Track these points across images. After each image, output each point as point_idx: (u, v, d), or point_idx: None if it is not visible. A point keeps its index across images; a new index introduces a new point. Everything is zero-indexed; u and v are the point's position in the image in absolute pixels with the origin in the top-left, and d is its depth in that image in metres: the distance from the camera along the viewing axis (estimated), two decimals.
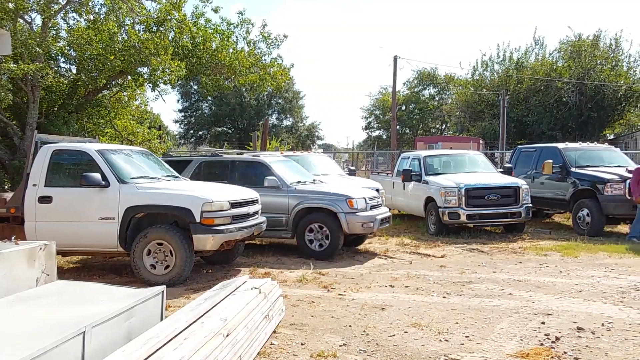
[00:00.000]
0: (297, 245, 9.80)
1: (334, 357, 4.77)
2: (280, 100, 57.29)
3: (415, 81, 55.66)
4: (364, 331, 5.48)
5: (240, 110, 53.12)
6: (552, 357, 4.74)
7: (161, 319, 4.58)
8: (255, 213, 8.56)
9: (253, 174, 10.33)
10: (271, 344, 5.02)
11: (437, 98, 56.16)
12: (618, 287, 7.31)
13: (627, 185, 11.37)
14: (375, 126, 59.96)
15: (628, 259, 9.24)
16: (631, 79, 34.65)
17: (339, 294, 6.98)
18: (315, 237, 9.60)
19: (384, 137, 56.01)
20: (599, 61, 33.40)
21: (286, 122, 59.52)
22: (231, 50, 16.41)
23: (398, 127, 49.03)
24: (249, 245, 9.99)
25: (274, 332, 5.30)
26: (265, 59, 17.53)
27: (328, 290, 7.18)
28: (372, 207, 9.89)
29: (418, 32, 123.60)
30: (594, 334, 5.36)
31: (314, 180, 10.80)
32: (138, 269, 7.53)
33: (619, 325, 5.62)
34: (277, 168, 10.26)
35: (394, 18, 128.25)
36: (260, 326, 4.82)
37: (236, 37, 16.97)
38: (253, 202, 8.48)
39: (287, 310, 6.02)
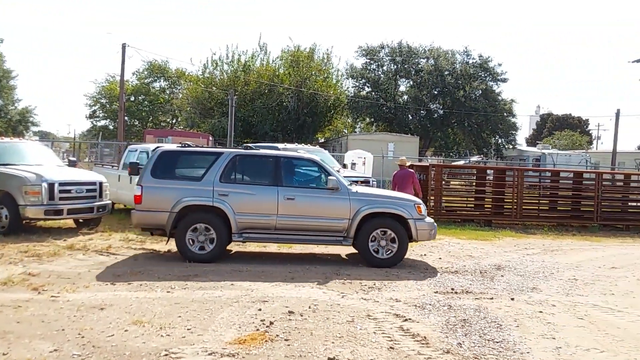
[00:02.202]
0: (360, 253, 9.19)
1: None
2: None
3: (146, 72, 53.97)
4: (80, 334, 5.14)
5: None
6: (266, 341, 5.17)
7: None
8: None
9: (301, 173, 9.44)
10: None
11: (167, 92, 55.40)
12: (322, 272, 8.34)
13: None
14: (101, 115, 56.18)
15: (328, 249, 10.58)
16: (338, 91, 39.73)
17: (52, 296, 6.38)
18: (379, 245, 8.97)
19: (111, 127, 52.95)
20: (313, 72, 37.34)
21: None
22: None
23: (126, 118, 46.80)
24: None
25: None
26: None
27: (39, 293, 6.50)
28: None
29: (149, 22, 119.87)
30: (302, 316, 6.02)
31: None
32: None
33: (322, 306, 6.43)
34: (329, 168, 9.42)
35: (124, 3, 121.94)
36: None
37: None
38: None
39: None
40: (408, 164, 13.49)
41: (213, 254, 8.77)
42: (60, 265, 8.20)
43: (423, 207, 9.30)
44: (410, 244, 9.36)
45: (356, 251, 9.43)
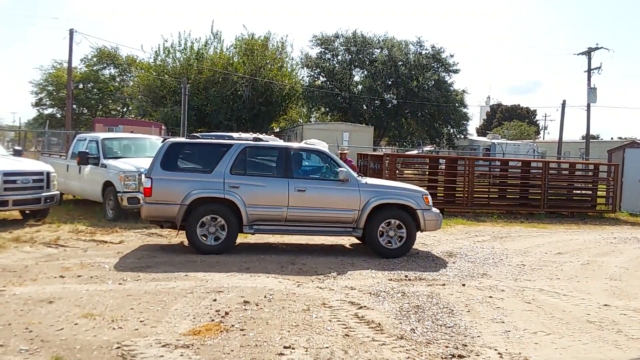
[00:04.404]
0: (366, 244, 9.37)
1: None
2: None
3: (95, 59, 52.30)
4: (27, 328, 4.97)
5: None
6: (221, 331, 5.13)
7: None
8: None
9: (311, 165, 9.43)
10: None
11: (118, 79, 53.90)
12: (278, 262, 8.33)
13: None
14: (47, 103, 54.23)
15: (283, 239, 10.58)
16: (293, 80, 39.59)
17: None
18: (389, 235, 9.08)
19: (59, 115, 51.21)
20: (268, 61, 37.05)
21: None
22: None
23: (74, 106, 45.30)
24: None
25: None
26: None
27: None
28: None
29: (99, 8, 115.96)
30: (257, 305, 6.00)
31: None
32: None
33: (278, 296, 6.42)
34: (338, 159, 9.54)
35: None
36: None
37: None
38: None
39: None
40: (348, 152, 14.15)
41: (224, 246, 8.72)
42: (6, 258, 7.91)
43: (430, 198, 9.45)
44: None
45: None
